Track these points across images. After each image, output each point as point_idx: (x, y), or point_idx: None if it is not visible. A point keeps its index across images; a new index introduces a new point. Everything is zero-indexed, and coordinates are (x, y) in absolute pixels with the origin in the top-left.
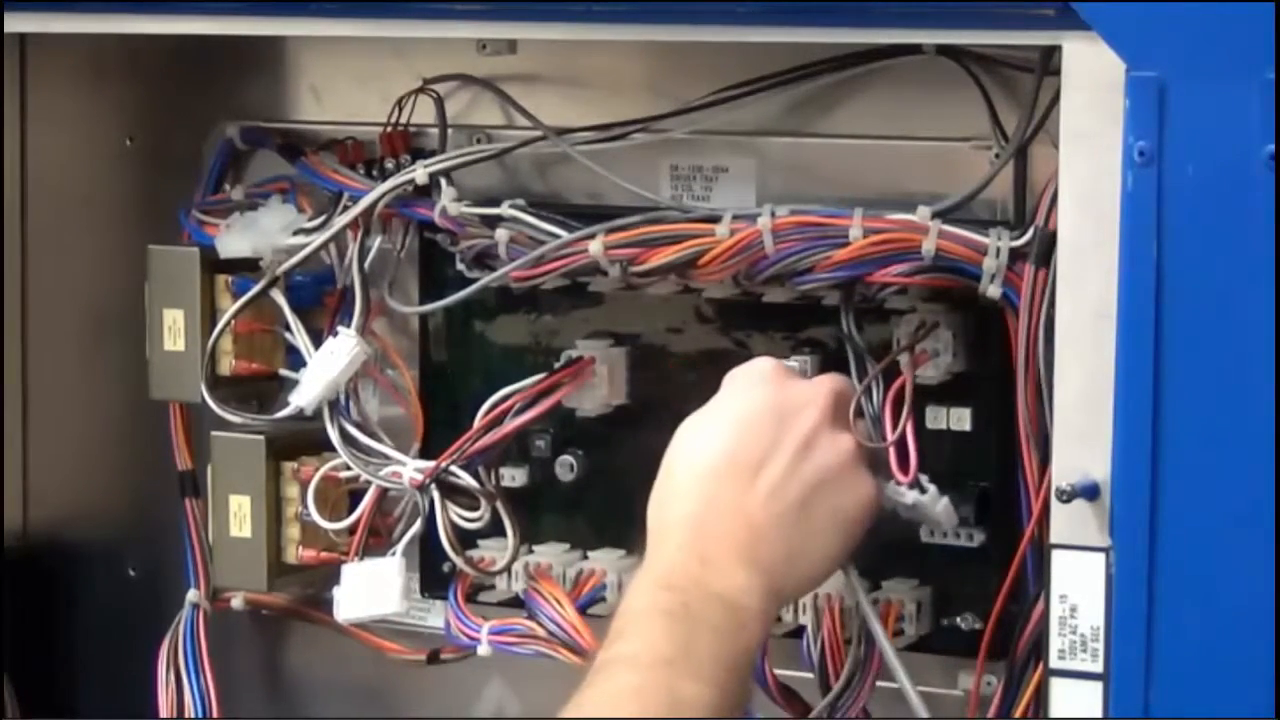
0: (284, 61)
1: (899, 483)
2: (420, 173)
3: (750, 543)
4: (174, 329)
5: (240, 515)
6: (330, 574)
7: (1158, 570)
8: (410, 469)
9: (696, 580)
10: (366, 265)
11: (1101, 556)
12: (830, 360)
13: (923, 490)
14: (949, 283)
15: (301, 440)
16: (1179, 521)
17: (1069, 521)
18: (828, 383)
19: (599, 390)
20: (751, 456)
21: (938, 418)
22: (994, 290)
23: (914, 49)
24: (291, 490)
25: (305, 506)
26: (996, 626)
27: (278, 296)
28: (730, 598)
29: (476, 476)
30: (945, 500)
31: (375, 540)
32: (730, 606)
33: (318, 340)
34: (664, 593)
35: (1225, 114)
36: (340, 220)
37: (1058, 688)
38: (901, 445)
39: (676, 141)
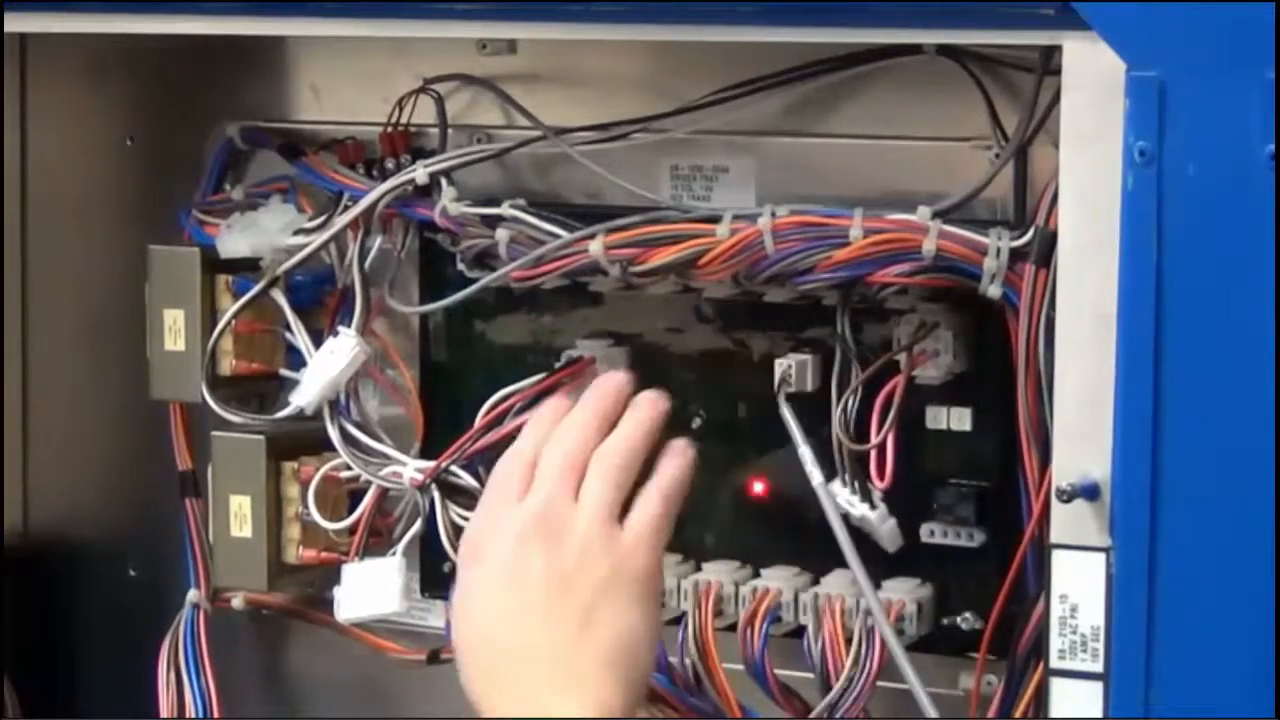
0: (284, 61)
1: (870, 488)
2: (420, 173)
3: (560, 664)
4: (174, 329)
5: (240, 515)
6: (330, 574)
7: (1158, 570)
8: (410, 469)
9: None
10: (367, 265)
11: (1101, 556)
12: (830, 360)
13: (873, 506)
14: (949, 283)
15: (302, 440)
16: (1179, 521)
17: (1069, 521)
18: (527, 507)
19: None
20: (514, 594)
21: (938, 418)
22: (994, 290)
23: (914, 49)
24: (292, 490)
25: (305, 506)
26: (997, 626)
27: (278, 296)
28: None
29: (477, 476)
30: (892, 522)
31: (375, 540)
32: None
33: (318, 340)
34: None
35: (1225, 114)
36: (340, 220)
37: (1058, 688)
38: (881, 451)
39: (677, 141)
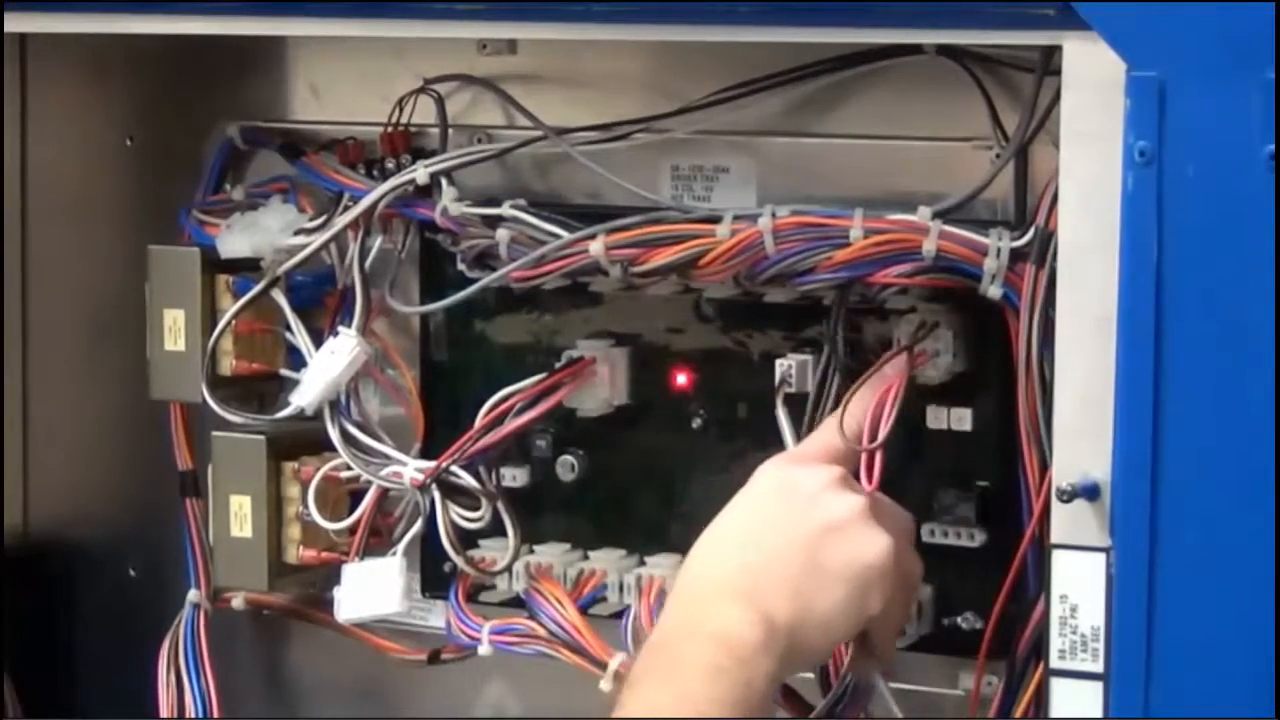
0: (284, 61)
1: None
2: (421, 173)
3: (746, 581)
4: (174, 329)
5: (241, 515)
6: (331, 574)
7: (1158, 570)
8: (411, 469)
9: (687, 628)
10: (367, 265)
11: (1102, 556)
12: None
13: None
14: (949, 283)
15: (302, 440)
16: (1179, 521)
17: (1069, 521)
18: (832, 466)
19: (600, 390)
20: (755, 523)
21: (938, 418)
22: (994, 290)
23: (914, 49)
24: (292, 490)
25: (306, 506)
26: (997, 626)
27: (278, 296)
28: (722, 633)
29: (477, 476)
30: None
31: (376, 540)
32: (724, 643)
33: (318, 340)
34: (655, 654)
35: (1225, 114)
36: (341, 220)
37: (1058, 688)
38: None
39: (677, 141)
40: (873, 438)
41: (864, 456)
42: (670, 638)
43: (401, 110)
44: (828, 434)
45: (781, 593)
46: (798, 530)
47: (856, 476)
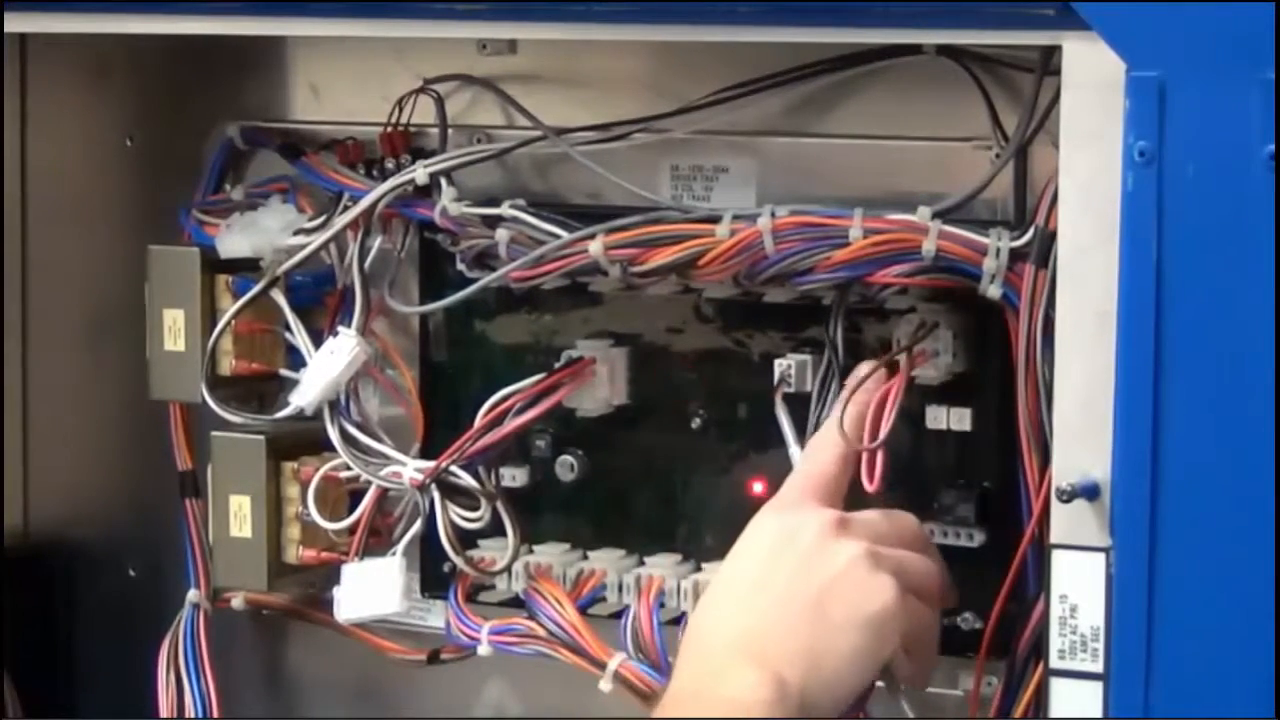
0: (284, 61)
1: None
2: (420, 173)
3: (754, 643)
4: (174, 329)
5: (240, 515)
6: (330, 574)
7: (1158, 570)
8: (410, 469)
9: (696, 691)
10: (367, 265)
11: (1101, 556)
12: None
13: None
14: (949, 283)
15: (302, 440)
16: (1179, 521)
17: (1069, 521)
18: (827, 510)
19: (599, 390)
20: (757, 579)
21: (938, 418)
22: (994, 290)
23: (914, 49)
24: (292, 490)
25: (305, 506)
26: (997, 626)
27: (278, 296)
28: (734, 699)
29: (477, 476)
30: None
31: (375, 540)
32: (736, 707)
33: (318, 340)
34: (670, 715)
35: (1225, 114)
36: (340, 220)
37: (1058, 688)
38: (872, 453)
39: (677, 141)
40: (872, 438)
41: (865, 456)
42: (683, 701)
43: (401, 110)
44: (815, 464)
45: (790, 651)
46: (802, 583)
47: (857, 479)
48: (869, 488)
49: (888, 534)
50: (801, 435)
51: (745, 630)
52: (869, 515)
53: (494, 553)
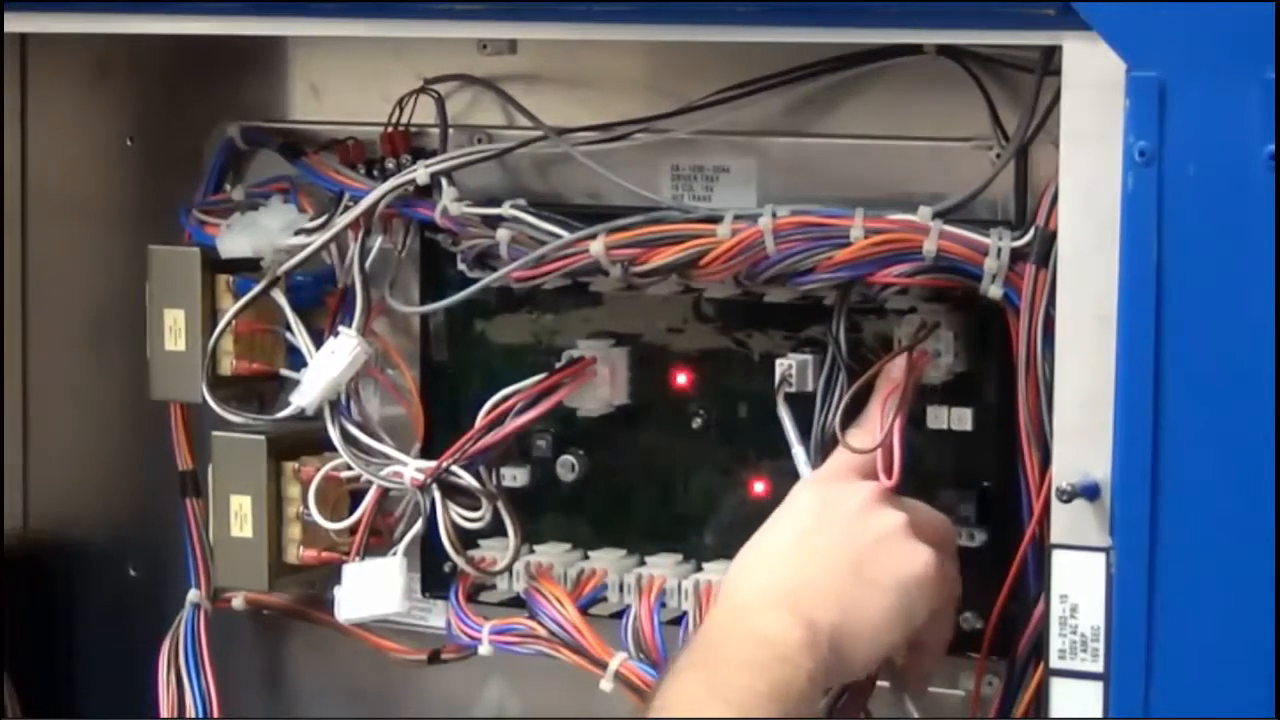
0: (284, 61)
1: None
2: (421, 173)
3: (791, 592)
4: (174, 329)
5: (241, 515)
6: (331, 574)
7: (1158, 570)
8: (411, 469)
9: (728, 628)
10: (367, 265)
11: (1101, 556)
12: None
13: None
14: (950, 283)
15: (302, 440)
16: (1179, 521)
17: (1069, 521)
18: (871, 482)
19: (600, 390)
20: (799, 537)
21: (939, 418)
22: (995, 290)
23: (914, 49)
24: (292, 490)
25: (306, 506)
26: (997, 626)
27: (278, 296)
28: (763, 633)
29: (477, 476)
30: None
31: (376, 540)
32: (764, 640)
33: (318, 340)
34: (695, 651)
35: (1225, 114)
36: (341, 220)
37: (1058, 688)
38: (888, 450)
39: (677, 141)
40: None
41: (880, 455)
42: (711, 638)
43: (401, 110)
44: (854, 449)
45: (827, 602)
46: (843, 544)
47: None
48: (886, 483)
49: (923, 523)
50: (805, 434)
51: (784, 581)
52: (912, 500)
53: (495, 553)
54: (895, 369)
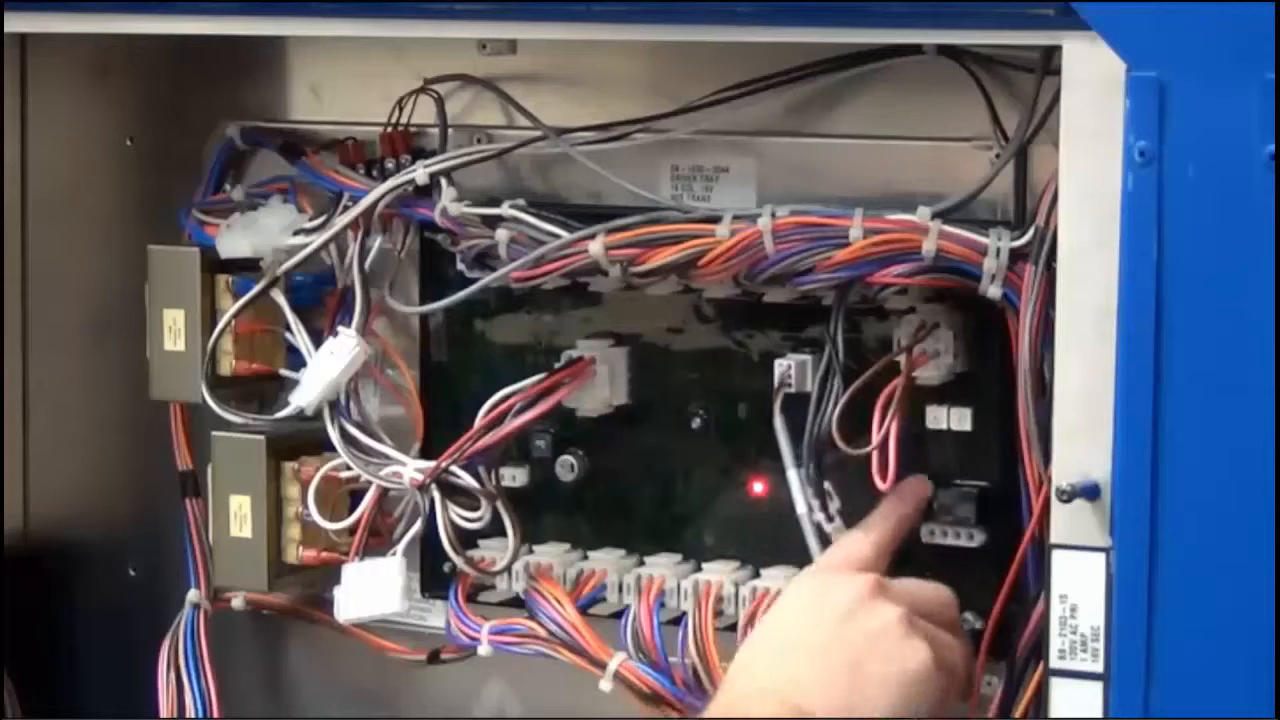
0: (284, 61)
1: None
2: (421, 173)
3: (785, 685)
4: (174, 329)
5: (241, 515)
6: (331, 574)
7: (1158, 570)
8: (411, 469)
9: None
10: (367, 265)
11: (1101, 556)
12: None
13: (830, 519)
14: (949, 283)
15: (302, 440)
16: (1179, 521)
17: (1069, 521)
18: (867, 574)
19: (599, 390)
20: (794, 631)
21: (938, 418)
22: (994, 290)
23: (914, 49)
24: (292, 490)
25: (306, 506)
26: (997, 626)
27: (278, 296)
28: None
29: (477, 476)
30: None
31: (376, 540)
32: None
33: (318, 340)
34: None
35: (1225, 114)
36: (340, 220)
37: (1058, 688)
38: (884, 452)
39: (677, 141)
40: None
41: (875, 455)
42: None
43: (401, 110)
44: (852, 544)
45: (820, 695)
46: (836, 641)
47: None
48: (881, 486)
49: (924, 604)
50: (797, 445)
51: (781, 680)
52: (909, 582)
53: (494, 553)
54: (907, 490)
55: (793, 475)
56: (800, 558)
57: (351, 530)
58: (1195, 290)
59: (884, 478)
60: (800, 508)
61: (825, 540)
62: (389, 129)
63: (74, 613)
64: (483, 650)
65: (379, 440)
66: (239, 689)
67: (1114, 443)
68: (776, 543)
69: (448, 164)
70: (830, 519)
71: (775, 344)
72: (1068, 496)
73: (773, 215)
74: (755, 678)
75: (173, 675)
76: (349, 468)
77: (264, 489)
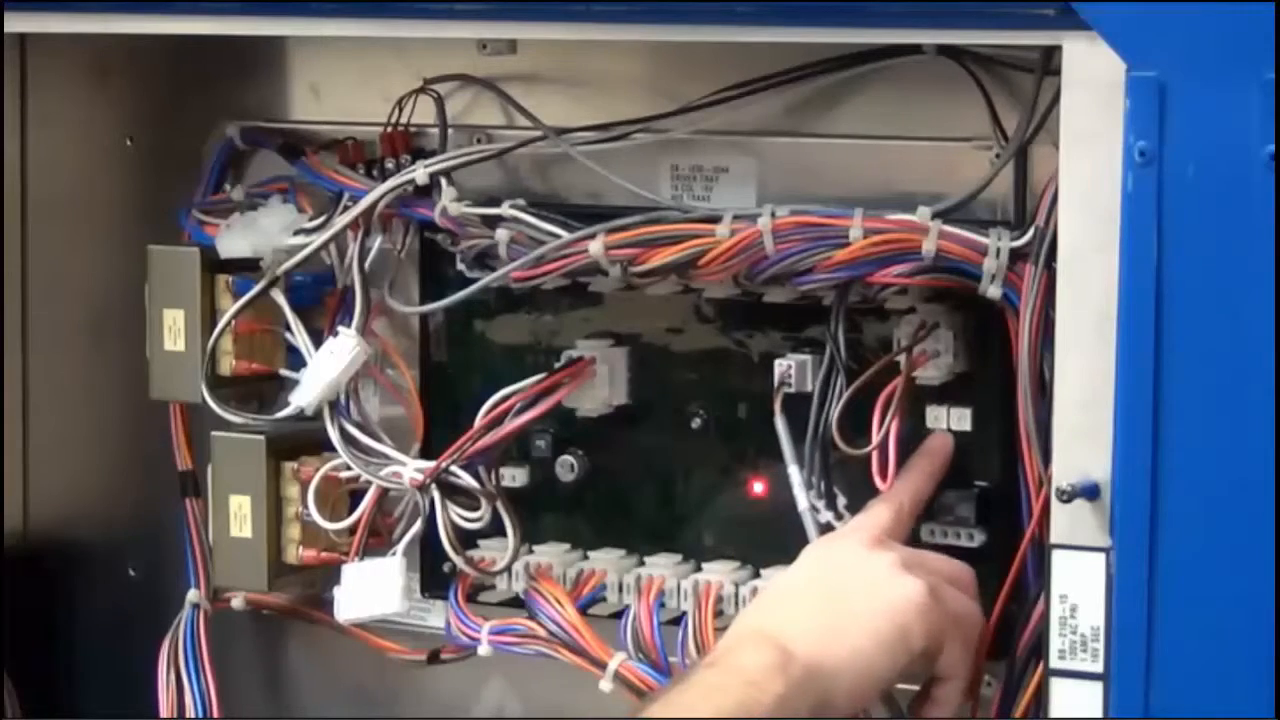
0: (284, 61)
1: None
2: (420, 173)
3: (769, 625)
4: (174, 329)
5: (240, 515)
6: (330, 574)
7: (1158, 570)
8: (411, 469)
9: (706, 663)
10: (367, 265)
11: (1101, 556)
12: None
13: (838, 516)
14: (949, 283)
15: (302, 440)
16: (1179, 521)
17: (1069, 521)
18: (872, 533)
19: (599, 390)
20: (788, 584)
21: (938, 418)
22: (994, 290)
23: (914, 49)
24: (292, 490)
25: (306, 506)
26: (997, 626)
27: (278, 296)
28: (732, 661)
29: (477, 476)
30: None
31: (375, 540)
32: (730, 667)
33: (318, 340)
34: (670, 687)
35: (1225, 114)
36: (340, 220)
37: (1058, 688)
38: (884, 452)
39: (677, 141)
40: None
41: (875, 454)
42: (688, 673)
43: (401, 110)
44: (872, 512)
45: (803, 630)
46: (832, 586)
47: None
48: (881, 486)
49: (940, 569)
50: (799, 445)
51: (771, 623)
52: (926, 552)
53: (494, 553)
54: (931, 448)
55: (794, 471)
56: None
57: (351, 530)
58: (1195, 290)
59: (884, 478)
60: (802, 504)
61: None
62: (389, 129)
63: (74, 613)
64: (482, 650)
65: (379, 440)
66: (239, 689)
67: (1114, 443)
68: (776, 543)
69: (448, 164)
70: (839, 516)
71: (775, 344)
72: (1068, 496)
73: (772, 215)
74: (748, 621)
75: (173, 675)
76: (349, 468)
77: (264, 489)
